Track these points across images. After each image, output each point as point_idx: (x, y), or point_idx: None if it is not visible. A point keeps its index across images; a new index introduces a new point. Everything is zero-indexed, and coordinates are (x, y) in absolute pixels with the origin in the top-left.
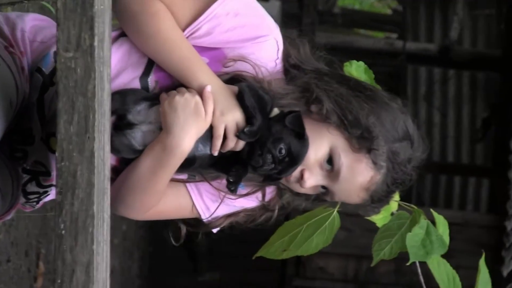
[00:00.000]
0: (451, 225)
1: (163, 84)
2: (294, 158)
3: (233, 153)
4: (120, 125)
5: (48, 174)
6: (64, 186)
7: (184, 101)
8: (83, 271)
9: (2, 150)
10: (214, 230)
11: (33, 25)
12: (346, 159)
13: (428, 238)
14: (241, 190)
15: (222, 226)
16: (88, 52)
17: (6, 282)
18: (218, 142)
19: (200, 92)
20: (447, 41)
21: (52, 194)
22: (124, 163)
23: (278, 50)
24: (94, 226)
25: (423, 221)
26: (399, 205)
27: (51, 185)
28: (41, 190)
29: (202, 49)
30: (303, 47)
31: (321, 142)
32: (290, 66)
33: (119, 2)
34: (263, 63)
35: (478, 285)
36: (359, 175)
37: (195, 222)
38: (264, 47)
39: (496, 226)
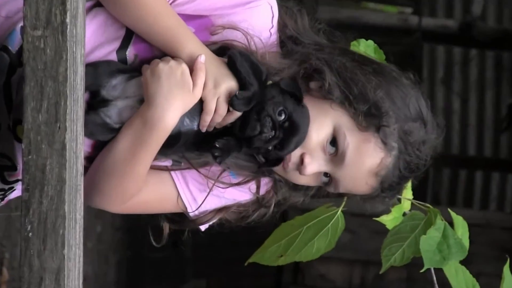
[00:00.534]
0: (471, 226)
1: (143, 57)
2: (296, 126)
3: (222, 132)
4: (93, 103)
5: (14, 168)
6: (32, 182)
7: (169, 69)
8: (52, 278)
9: None
10: (202, 228)
11: None
12: (352, 139)
13: (445, 241)
14: (233, 179)
15: (211, 222)
16: (59, 30)
17: None
18: (207, 118)
19: (190, 63)
20: (468, 16)
21: (18, 190)
22: (100, 150)
23: (273, 17)
24: (65, 227)
25: (440, 222)
26: (412, 204)
27: (17, 180)
28: (6, 187)
29: (186, 18)
30: (301, 18)
31: (324, 121)
32: (286, 38)
33: None
34: (256, 32)
35: None
36: (367, 157)
37: (179, 219)
38: (257, 13)
39: None
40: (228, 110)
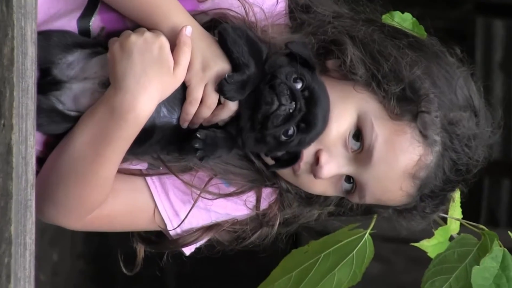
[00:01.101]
0: None
1: (112, 30)
2: (317, 96)
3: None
4: (42, 84)
5: None
6: None
7: (143, 42)
8: None
9: None
10: (186, 251)
11: None
12: (381, 130)
13: (504, 273)
14: (225, 188)
15: (197, 244)
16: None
17: None
18: (191, 109)
19: (173, 37)
20: None
21: None
22: (54, 147)
23: None
24: (11, 255)
25: (497, 249)
26: (461, 225)
27: None
28: None
29: None
30: None
31: (345, 109)
32: (297, 8)
33: None
34: (257, 1)
35: None
36: (401, 153)
37: (157, 239)
38: None
39: None
40: (220, 102)
